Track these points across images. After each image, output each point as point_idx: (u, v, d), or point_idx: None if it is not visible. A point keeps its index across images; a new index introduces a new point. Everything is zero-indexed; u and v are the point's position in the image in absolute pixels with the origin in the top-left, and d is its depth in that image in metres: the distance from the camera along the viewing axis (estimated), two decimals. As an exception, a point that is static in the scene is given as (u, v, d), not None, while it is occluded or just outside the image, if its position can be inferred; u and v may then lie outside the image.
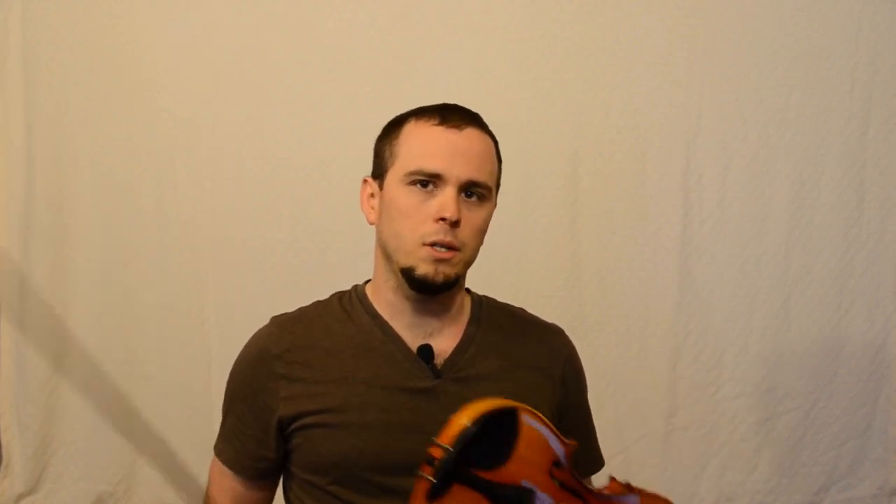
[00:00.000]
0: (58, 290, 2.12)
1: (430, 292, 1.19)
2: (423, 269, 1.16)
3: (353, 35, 2.13)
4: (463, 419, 1.05)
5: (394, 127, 1.23)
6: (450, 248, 1.16)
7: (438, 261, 1.15)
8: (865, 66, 2.20)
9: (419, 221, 1.16)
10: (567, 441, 1.13)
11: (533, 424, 1.09)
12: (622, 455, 2.18)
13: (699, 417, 2.21)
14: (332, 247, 2.13)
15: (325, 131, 2.13)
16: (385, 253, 1.21)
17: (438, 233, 1.15)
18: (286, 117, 2.13)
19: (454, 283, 1.19)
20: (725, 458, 2.22)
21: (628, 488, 1.22)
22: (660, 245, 2.20)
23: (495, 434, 1.07)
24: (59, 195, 2.12)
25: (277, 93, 2.13)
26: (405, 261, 1.17)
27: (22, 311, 2.11)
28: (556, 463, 1.11)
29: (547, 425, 1.11)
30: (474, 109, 1.25)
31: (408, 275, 1.17)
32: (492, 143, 1.23)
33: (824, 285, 2.22)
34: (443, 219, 1.14)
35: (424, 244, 1.15)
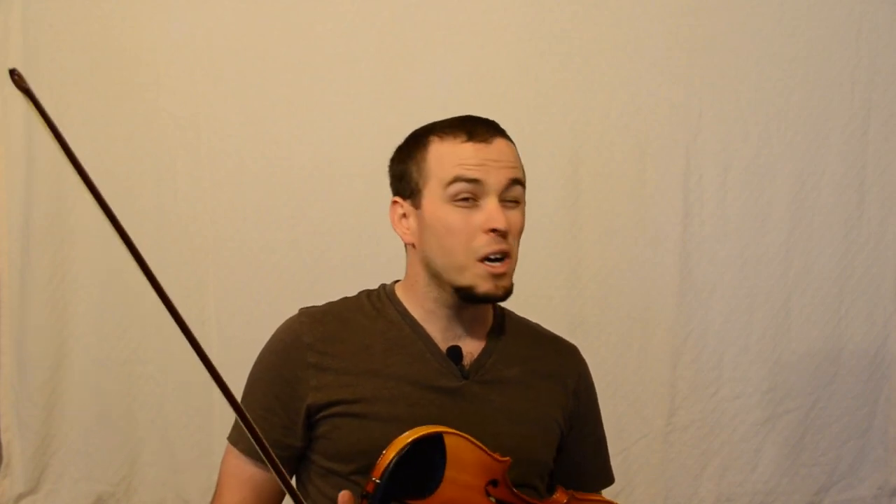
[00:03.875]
0: (58, 290, 2.12)
1: (486, 303, 1.23)
2: (484, 287, 1.18)
3: (354, 35, 2.13)
4: (391, 452, 1.08)
5: (415, 147, 1.24)
6: (502, 256, 1.18)
7: (496, 276, 1.18)
8: (865, 66, 2.20)
9: (469, 236, 1.17)
10: (500, 459, 1.14)
11: (461, 447, 1.11)
12: (622, 455, 2.18)
13: (699, 417, 2.21)
14: (332, 247, 2.14)
15: (325, 131, 2.13)
16: (432, 271, 1.22)
17: (491, 244, 1.17)
18: (286, 117, 2.13)
19: (511, 292, 1.22)
20: (725, 458, 2.22)
21: (574, 498, 1.25)
22: (660, 245, 2.20)
23: (424, 461, 1.09)
24: (59, 196, 2.12)
25: (277, 93, 2.13)
26: (460, 280, 1.19)
27: (22, 311, 2.11)
28: (492, 482, 1.13)
29: (477, 445, 1.13)
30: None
31: (466, 293, 1.19)
32: (516, 148, 1.25)
33: (824, 286, 2.22)
34: (493, 230, 1.16)
35: (478, 259, 1.17)
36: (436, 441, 1.09)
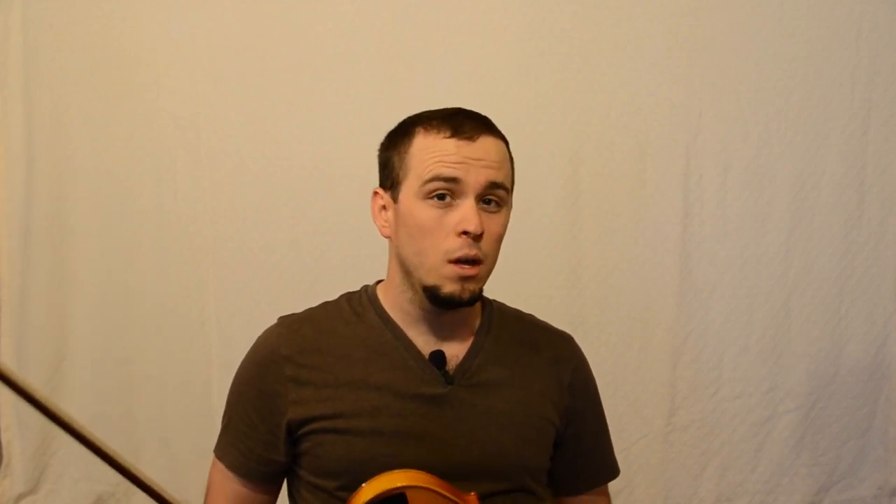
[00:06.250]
0: (58, 290, 2.12)
1: (454, 308, 1.17)
2: (449, 287, 1.13)
3: (354, 35, 2.13)
4: None
5: (401, 137, 1.19)
6: (474, 261, 1.13)
7: (464, 278, 1.13)
8: (865, 66, 2.20)
9: (441, 237, 1.13)
10: (469, 500, 1.10)
11: (426, 500, 1.06)
12: (622, 455, 2.15)
13: (699, 417, 2.21)
14: (332, 247, 2.13)
15: (325, 131, 2.13)
16: (404, 268, 1.18)
17: (462, 247, 1.12)
18: (286, 117, 2.13)
19: (479, 298, 1.18)
20: (725, 458, 2.22)
21: None
22: (660, 245, 2.20)
23: None
24: (59, 196, 2.12)
25: (277, 93, 2.13)
26: (428, 279, 1.14)
27: (22, 311, 2.11)
28: None
29: (444, 496, 1.07)
30: (475, 110, 1.22)
31: (431, 293, 1.15)
32: (505, 146, 1.20)
33: (824, 285, 2.22)
34: (465, 232, 1.12)
35: (449, 261, 1.12)
36: (398, 500, 1.05)
